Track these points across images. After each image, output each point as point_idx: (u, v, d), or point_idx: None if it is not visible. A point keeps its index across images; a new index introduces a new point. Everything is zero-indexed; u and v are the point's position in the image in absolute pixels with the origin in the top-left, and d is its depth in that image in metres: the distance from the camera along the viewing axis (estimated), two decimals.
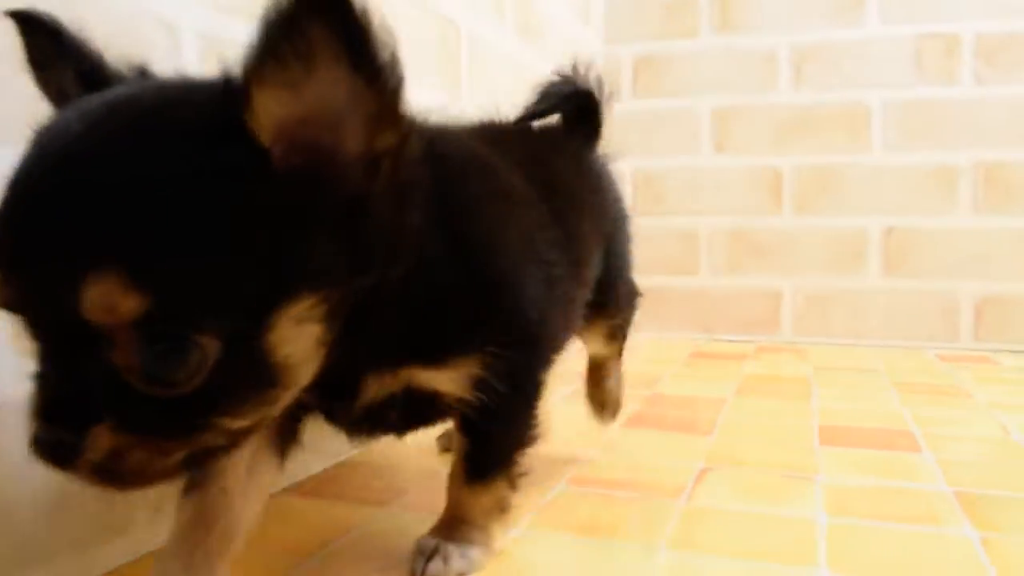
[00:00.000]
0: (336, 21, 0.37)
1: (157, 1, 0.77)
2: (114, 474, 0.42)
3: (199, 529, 0.57)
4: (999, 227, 1.90)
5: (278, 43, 0.38)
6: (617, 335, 1.11)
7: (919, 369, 1.79)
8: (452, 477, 0.70)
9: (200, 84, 0.46)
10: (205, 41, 0.82)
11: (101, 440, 0.41)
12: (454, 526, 0.69)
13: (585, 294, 0.88)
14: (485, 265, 0.60)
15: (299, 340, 0.44)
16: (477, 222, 0.60)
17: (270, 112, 0.41)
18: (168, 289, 0.39)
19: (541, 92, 0.99)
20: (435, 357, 0.57)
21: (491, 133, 0.82)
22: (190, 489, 0.57)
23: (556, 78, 1.00)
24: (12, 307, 0.42)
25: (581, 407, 1.18)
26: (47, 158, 0.42)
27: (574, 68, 1.00)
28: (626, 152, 2.25)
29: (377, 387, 0.56)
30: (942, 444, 1.20)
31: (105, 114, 0.43)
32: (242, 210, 0.41)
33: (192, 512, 0.57)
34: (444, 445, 1.11)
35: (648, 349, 2.10)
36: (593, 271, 0.91)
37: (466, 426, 0.66)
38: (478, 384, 0.60)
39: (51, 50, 0.48)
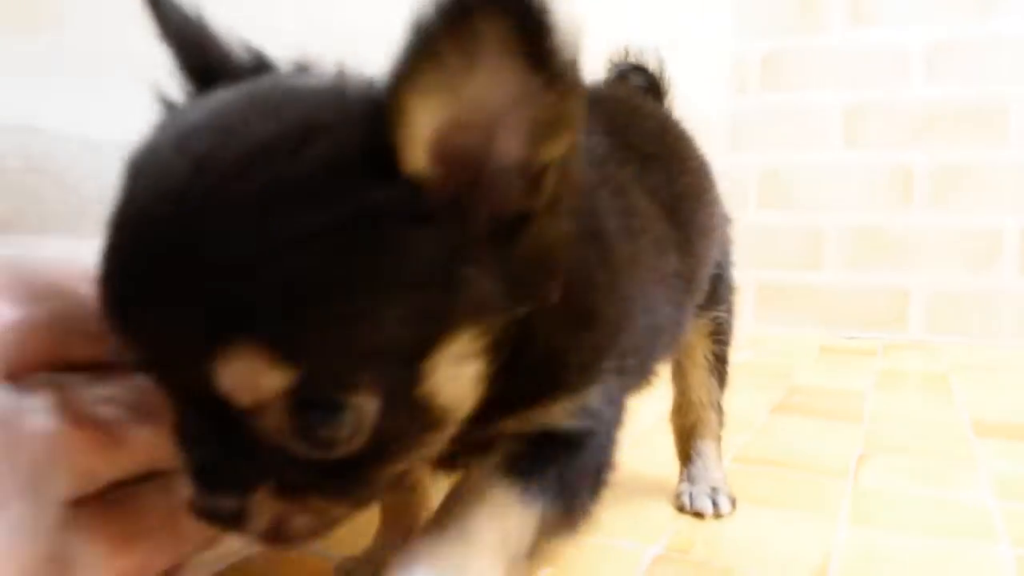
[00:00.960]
0: (514, 11, 0.31)
1: None
2: (281, 536, 0.39)
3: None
4: None
5: (439, 38, 0.31)
6: (719, 358, 0.89)
7: None
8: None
9: (331, 95, 0.38)
10: None
11: (264, 507, 0.38)
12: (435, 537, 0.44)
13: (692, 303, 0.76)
14: (619, 287, 0.52)
15: (459, 379, 0.40)
16: (611, 240, 0.52)
17: (423, 127, 0.34)
18: (315, 356, 0.34)
19: (614, 70, 0.88)
20: (565, 389, 0.48)
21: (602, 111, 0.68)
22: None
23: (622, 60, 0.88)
24: (137, 367, 0.37)
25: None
26: (153, 202, 0.35)
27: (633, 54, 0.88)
28: (754, 147, 2.28)
29: (513, 427, 0.47)
30: None
31: (219, 143, 0.35)
32: (392, 254, 0.35)
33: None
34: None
35: (774, 343, 2.12)
36: (706, 273, 0.80)
37: (530, 455, 0.48)
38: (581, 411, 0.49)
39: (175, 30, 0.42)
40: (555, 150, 0.36)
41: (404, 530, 0.62)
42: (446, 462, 0.49)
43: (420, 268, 0.35)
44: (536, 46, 0.31)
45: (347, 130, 0.35)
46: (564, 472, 0.47)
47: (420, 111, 0.34)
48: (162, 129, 0.38)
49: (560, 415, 0.48)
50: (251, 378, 0.34)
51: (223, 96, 0.39)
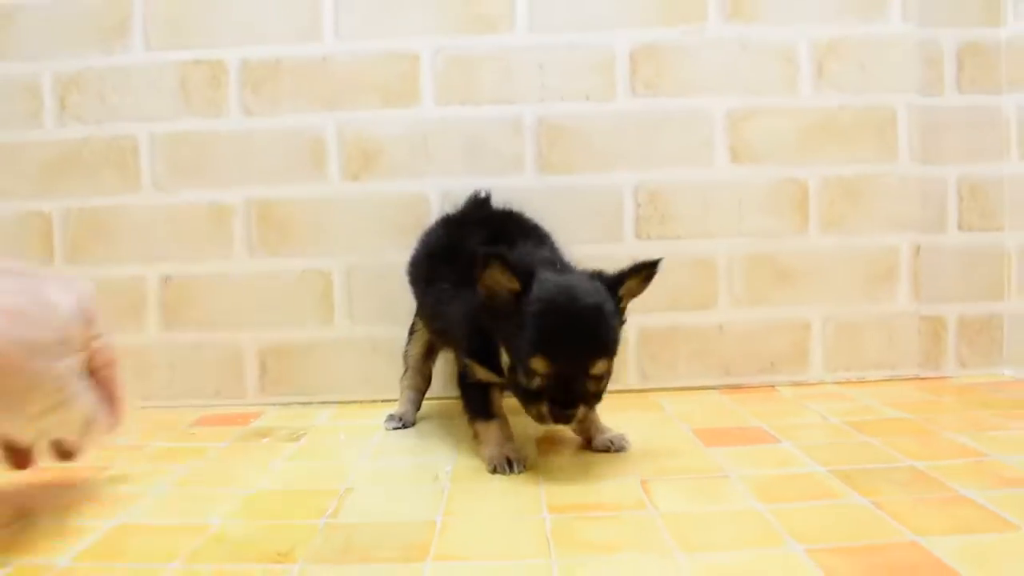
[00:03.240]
0: (647, 272, 0.95)
1: None
2: (571, 421, 0.91)
3: (506, 429, 1.02)
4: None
5: (633, 277, 0.94)
6: None
7: None
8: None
9: (596, 282, 0.94)
10: None
11: (580, 413, 0.90)
12: (598, 428, 1.06)
13: None
14: None
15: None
16: None
17: (624, 296, 0.95)
18: (611, 359, 0.90)
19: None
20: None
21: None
22: (494, 416, 1.01)
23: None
24: (551, 376, 0.88)
25: None
26: (575, 319, 0.89)
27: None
28: None
29: None
30: None
31: (586, 299, 0.90)
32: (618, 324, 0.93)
33: (500, 424, 1.01)
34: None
35: None
36: None
37: None
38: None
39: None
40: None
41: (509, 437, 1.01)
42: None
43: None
44: (648, 279, 0.96)
45: (609, 294, 0.92)
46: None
47: (625, 294, 0.95)
48: (558, 294, 0.90)
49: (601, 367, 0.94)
50: (601, 368, 0.89)
51: (564, 281, 0.93)
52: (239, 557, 0.72)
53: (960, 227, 1.42)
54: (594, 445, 1.04)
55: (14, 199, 1.42)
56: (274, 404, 1.40)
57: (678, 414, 1.22)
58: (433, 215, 1.36)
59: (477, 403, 1.01)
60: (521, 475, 0.94)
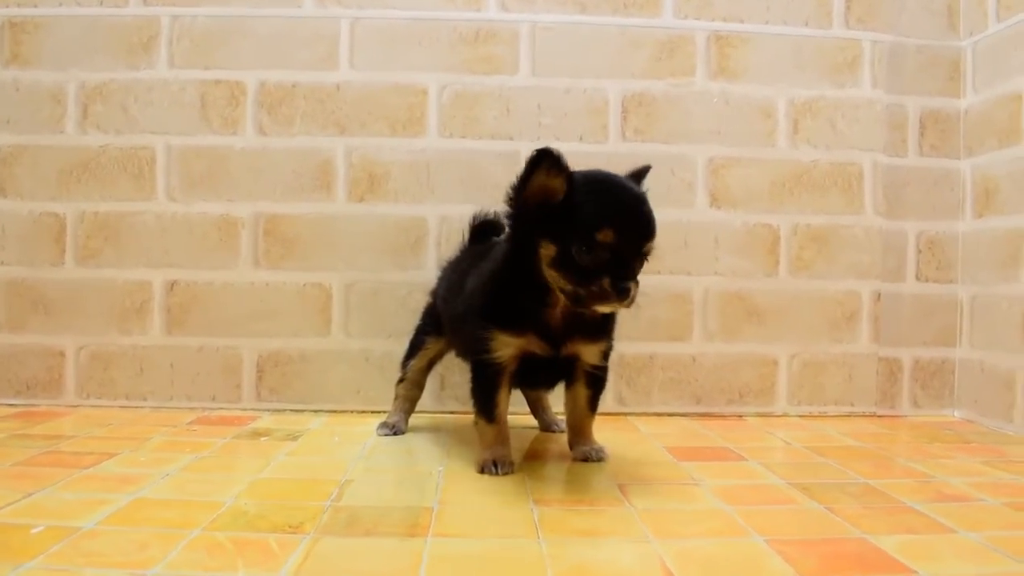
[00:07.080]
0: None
1: None
2: (633, 299, 0.94)
3: (503, 433, 1.08)
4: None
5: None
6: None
7: None
8: (577, 414, 1.13)
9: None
10: None
11: (634, 288, 0.94)
12: (586, 438, 1.13)
13: None
14: None
15: None
16: None
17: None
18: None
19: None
20: (599, 338, 1.08)
21: None
22: (494, 420, 1.06)
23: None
24: (617, 249, 0.94)
25: None
26: (637, 200, 0.98)
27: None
28: None
29: (569, 348, 1.06)
30: None
31: (638, 192, 1.01)
32: None
33: (497, 429, 1.07)
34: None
35: None
36: None
37: (589, 382, 1.11)
38: (603, 355, 1.09)
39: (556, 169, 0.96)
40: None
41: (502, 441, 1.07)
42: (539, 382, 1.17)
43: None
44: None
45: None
46: (599, 392, 1.12)
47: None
48: (608, 179, 1.00)
49: (597, 354, 1.08)
50: (651, 247, 0.97)
51: (605, 174, 1.01)
52: (253, 528, 0.79)
53: (918, 277, 1.54)
54: (575, 454, 1.12)
55: (31, 200, 1.48)
56: (268, 410, 1.46)
57: (652, 435, 1.30)
58: (431, 238, 1.45)
59: (482, 405, 1.07)
60: (509, 476, 1.01)
